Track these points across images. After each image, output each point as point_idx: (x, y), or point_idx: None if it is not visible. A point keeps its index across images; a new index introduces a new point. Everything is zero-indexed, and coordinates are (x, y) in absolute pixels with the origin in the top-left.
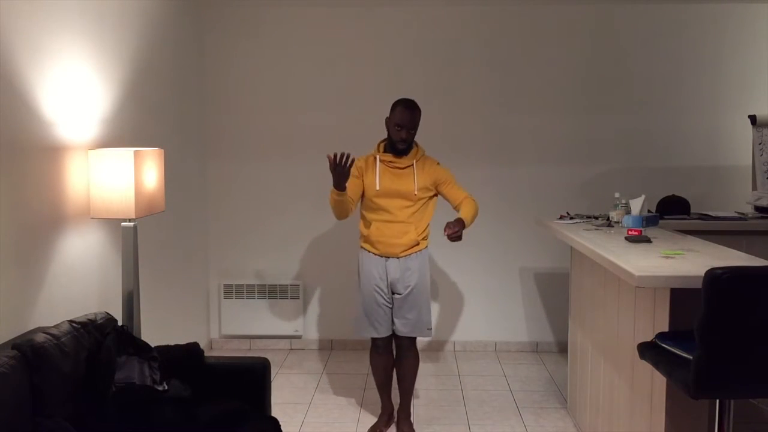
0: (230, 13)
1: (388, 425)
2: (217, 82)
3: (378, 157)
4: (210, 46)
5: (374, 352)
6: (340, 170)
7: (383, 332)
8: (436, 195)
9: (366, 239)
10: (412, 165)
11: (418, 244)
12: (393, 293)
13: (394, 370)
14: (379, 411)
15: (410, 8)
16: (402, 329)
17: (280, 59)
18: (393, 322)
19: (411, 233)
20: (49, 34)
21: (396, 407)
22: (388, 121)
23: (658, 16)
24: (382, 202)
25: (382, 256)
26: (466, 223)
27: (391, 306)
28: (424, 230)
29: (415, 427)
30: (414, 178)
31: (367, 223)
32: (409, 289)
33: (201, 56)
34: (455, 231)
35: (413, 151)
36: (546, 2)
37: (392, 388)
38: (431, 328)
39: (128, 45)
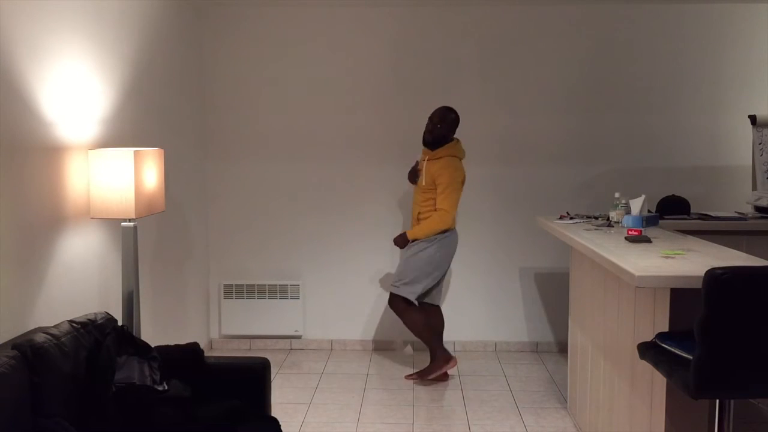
0: (229, 13)
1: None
2: (217, 82)
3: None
4: (210, 46)
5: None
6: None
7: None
8: None
9: None
10: (425, 161)
11: None
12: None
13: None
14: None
15: (410, 8)
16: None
17: (280, 59)
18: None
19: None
20: (48, 33)
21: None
22: None
23: (658, 16)
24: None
25: None
26: (411, 236)
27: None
28: None
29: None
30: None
31: None
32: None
33: (201, 56)
34: (396, 243)
35: (440, 149)
36: (546, 2)
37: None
38: (398, 287)
39: (128, 45)
